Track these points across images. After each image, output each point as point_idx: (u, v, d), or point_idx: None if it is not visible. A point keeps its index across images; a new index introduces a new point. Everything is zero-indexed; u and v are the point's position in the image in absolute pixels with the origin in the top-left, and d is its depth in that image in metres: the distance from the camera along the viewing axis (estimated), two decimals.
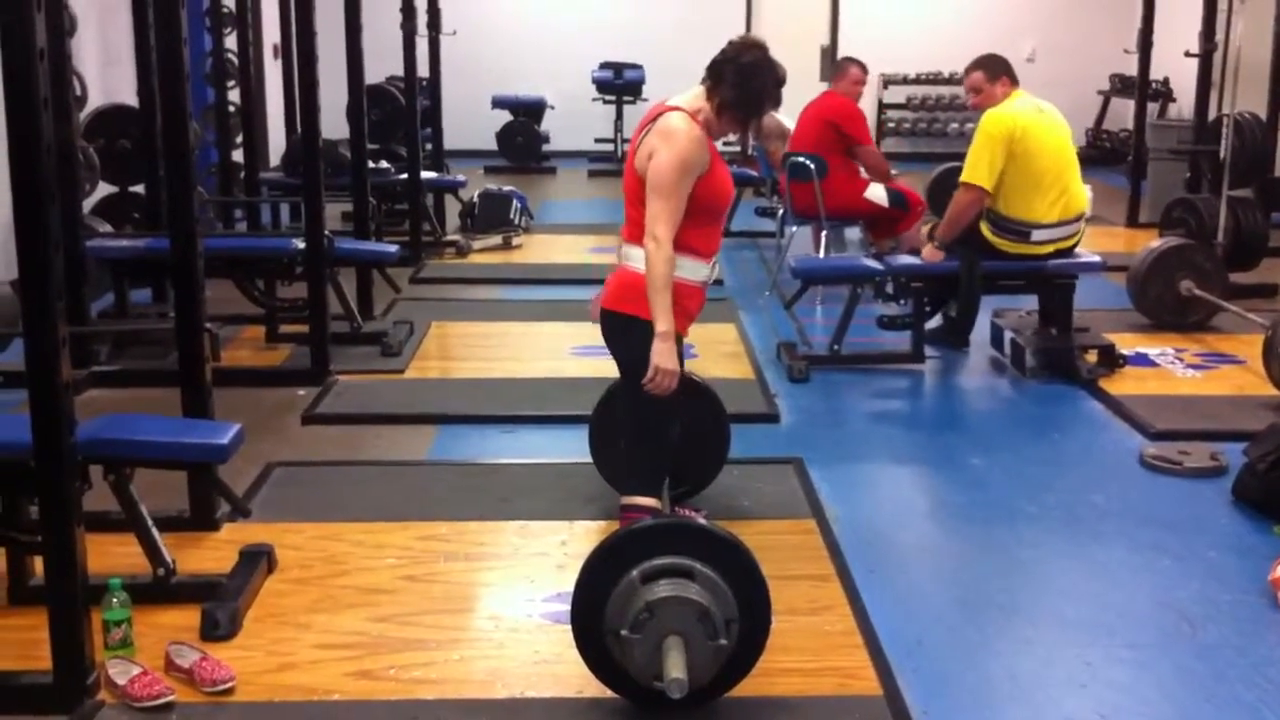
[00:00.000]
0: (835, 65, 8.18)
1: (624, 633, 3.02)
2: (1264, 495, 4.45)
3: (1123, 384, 6.00)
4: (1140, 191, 10.33)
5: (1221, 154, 7.85)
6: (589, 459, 4.56)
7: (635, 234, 3.70)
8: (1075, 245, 6.14)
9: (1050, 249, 6.03)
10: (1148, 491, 4.76)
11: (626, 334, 3.73)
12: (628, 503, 3.80)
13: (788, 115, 8.65)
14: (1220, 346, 6.69)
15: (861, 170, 7.93)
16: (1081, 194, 6.09)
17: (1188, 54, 9.70)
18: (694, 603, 3.01)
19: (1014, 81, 6.12)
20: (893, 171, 8.01)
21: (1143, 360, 6.41)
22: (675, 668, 2.94)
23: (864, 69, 8.01)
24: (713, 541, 3.11)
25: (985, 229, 6.03)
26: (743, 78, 3.65)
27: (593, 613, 3.08)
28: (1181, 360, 6.45)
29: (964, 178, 5.99)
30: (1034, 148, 5.90)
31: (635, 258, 3.68)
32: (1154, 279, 7.01)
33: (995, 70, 6.10)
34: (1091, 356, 6.19)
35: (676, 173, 3.57)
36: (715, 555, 3.07)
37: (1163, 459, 4.95)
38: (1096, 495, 4.72)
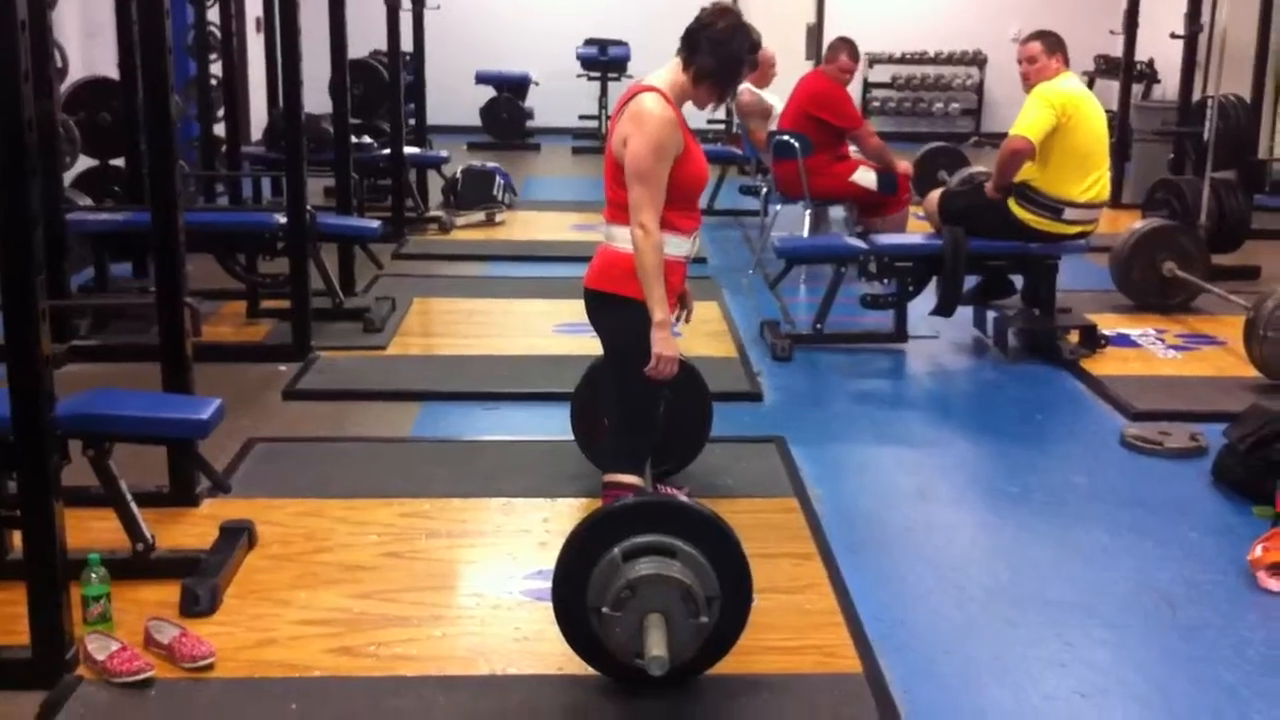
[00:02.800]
0: (829, 46, 8.09)
1: (605, 610, 3.02)
2: (1244, 476, 4.47)
3: (1104, 365, 6.02)
4: (1124, 173, 10.34)
5: (1205, 136, 7.87)
6: (572, 436, 4.55)
7: (616, 215, 3.69)
8: (1093, 231, 6.19)
9: (1076, 230, 6.07)
10: (1129, 472, 4.77)
11: (609, 312, 3.73)
12: (610, 480, 3.80)
13: (774, 94, 8.64)
14: (1202, 328, 6.71)
15: (851, 151, 7.90)
16: (1109, 181, 6.15)
17: (1173, 36, 9.72)
18: (676, 581, 3.00)
19: (1067, 62, 6.11)
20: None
21: (1124, 341, 6.42)
22: (656, 645, 2.94)
23: (854, 56, 7.84)
24: (694, 520, 3.10)
25: (1015, 206, 6.03)
26: (717, 45, 3.62)
27: (574, 590, 3.08)
28: (1163, 341, 6.47)
29: (1012, 130, 5.96)
30: (1081, 126, 5.92)
31: (618, 237, 3.68)
32: (1136, 260, 7.02)
33: (1053, 45, 6.07)
34: (1073, 337, 6.21)
35: (653, 158, 3.55)
36: (697, 533, 3.07)
37: (1144, 439, 4.97)
38: (1078, 476, 4.74)
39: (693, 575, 3.02)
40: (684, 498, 3.61)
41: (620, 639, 3.03)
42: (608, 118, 13.86)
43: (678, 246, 3.70)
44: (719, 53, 3.62)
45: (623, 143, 3.59)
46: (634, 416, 3.80)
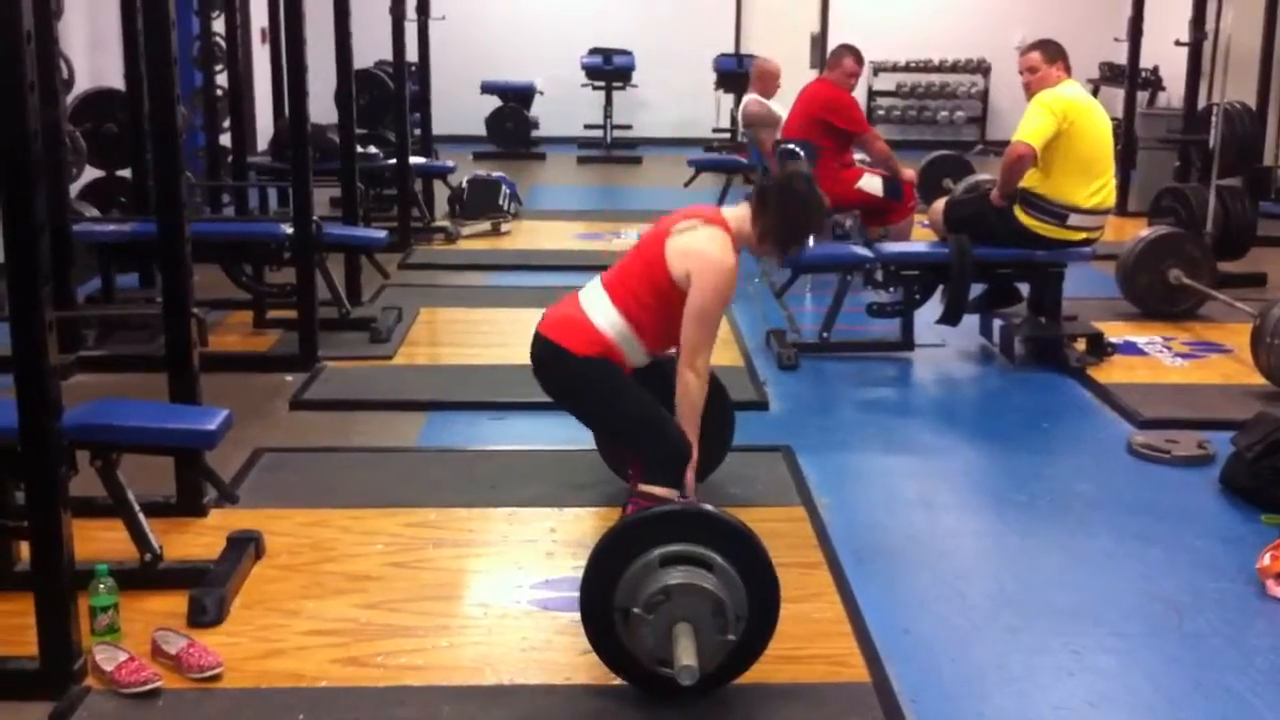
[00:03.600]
0: (831, 53, 8.11)
1: (636, 611, 3.02)
2: (1252, 484, 4.46)
3: (1111, 372, 6.01)
4: (1129, 180, 10.34)
5: (1211, 143, 7.86)
6: (578, 445, 4.56)
7: (624, 298, 3.83)
8: (1099, 239, 6.18)
9: (1082, 236, 6.07)
10: (1136, 480, 4.76)
11: (556, 362, 3.86)
12: (642, 490, 3.79)
13: (780, 104, 8.65)
14: (1208, 335, 6.70)
15: (856, 158, 7.90)
16: (1114, 188, 6.17)
17: (1178, 43, 9.72)
18: (711, 594, 3.01)
19: (1068, 69, 6.13)
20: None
21: (1131, 349, 6.42)
22: (686, 654, 2.94)
23: (859, 60, 7.86)
24: (735, 539, 3.11)
25: (1020, 213, 6.03)
26: (786, 206, 3.83)
27: (605, 586, 3.07)
28: (1170, 349, 6.46)
29: (1014, 136, 5.99)
30: (1084, 132, 5.93)
31: (603, 311, 3.82)
32: (1143, 268, 7.02)
33: (1053, 54, 6.09)
34: (1080, 345, 6.20)
35: (716, 304, 3.80)
36: (735, 552, 3.08)
37: (1151, 447, 4.96)
38: (1084, 484, 4.73)
39: (726, 592, 3.03)
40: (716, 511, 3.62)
41: (646, 642, 3.03)
42: (613, 126, 13.93)
43: (634, 355, 3.88)
44: (785, 218, 3.86)
45: (686, 274, 3.77)
46: (638, 427, 3.82)
